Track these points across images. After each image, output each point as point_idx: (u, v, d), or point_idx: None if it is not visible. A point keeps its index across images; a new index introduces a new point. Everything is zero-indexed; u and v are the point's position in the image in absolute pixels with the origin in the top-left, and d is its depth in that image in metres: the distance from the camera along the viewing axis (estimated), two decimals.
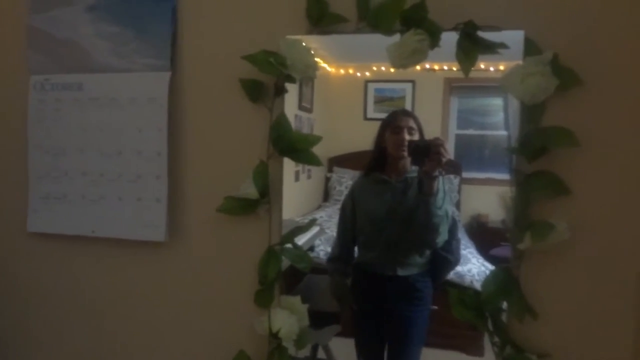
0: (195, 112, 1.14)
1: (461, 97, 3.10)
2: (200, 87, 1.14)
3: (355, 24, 1.04)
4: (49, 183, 1.19)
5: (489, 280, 1.02)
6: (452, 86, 3.08)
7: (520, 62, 0.95)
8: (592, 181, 0.96)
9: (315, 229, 3.00)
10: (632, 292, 0.97)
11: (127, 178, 1.14)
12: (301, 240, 2.76)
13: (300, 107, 4.00)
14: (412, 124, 1.54)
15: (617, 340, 0.98)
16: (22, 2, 1.22)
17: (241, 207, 1.08)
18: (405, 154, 1.53)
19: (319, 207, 4.43)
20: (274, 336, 1.07)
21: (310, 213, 4.01)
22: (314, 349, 2.25)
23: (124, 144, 1.14)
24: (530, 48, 0.96)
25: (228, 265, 1.15)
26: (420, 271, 1.57)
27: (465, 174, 3.07)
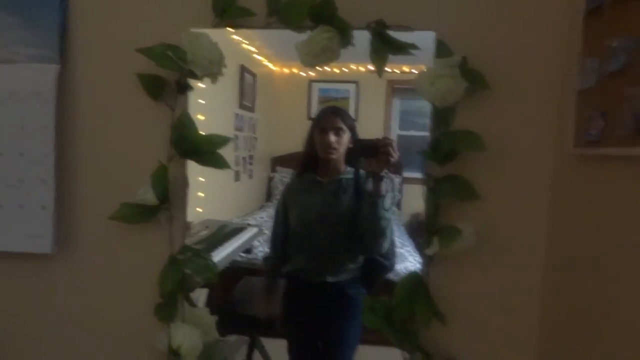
0: (88, 109, 1.05)
1: (403, 98, 3.14)
2: (94, 82, 1.04)
3: (265, 18, 0.99)
4: None
5: (400, 286, 1.01)
6: (395, 88, 3.12)
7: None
8: (499, 186, 0.97)
9: (253, 230, 2.92)
10: (536, 294, 0.98)
11: (8, 182, 1.02)
12: (238, 241, 2.67)
13: (241, 106, 3.88)
14: (339, 123, 1.46)
15: (522, 341, 0.99)
16: None
17: (138, 214, 1.00)
18: (333, 155, 1.47)
19: (261, 208, 4.34)
20: (175, 353, 0.99)
21: (252, 213, 3.91)
22: (250, 353, 2.18)
23: (4, 143, 1.02)
24: (442, 50, 0.95)
25: (126, 277, 1.06)
26: (351, 277, 1.53)
27: (406, 174, 3.12)
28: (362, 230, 1.40)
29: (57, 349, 1.10)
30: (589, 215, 0.82)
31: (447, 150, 0.94)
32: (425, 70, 0.94)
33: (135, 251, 1.05)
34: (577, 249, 0.86)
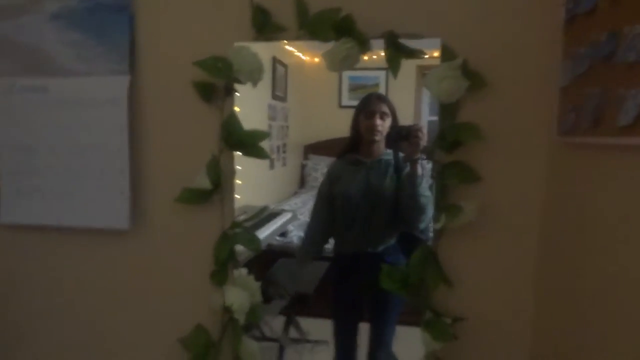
0: (153, 112, 1.32)
1: None
2: (157, 89, 1.31)
3: (295, 32, 1.21)
4: (20, 178, 1.36)
5: (414, 255, 1.22)
6: (424, 74, 3.27)
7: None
8: (498, 169, 1.17)
9: (288, 215, 3.19)
10: (531, 261, 1.18)
11: (92, 173, 1.31)
12: (274, 225, 2.94)
13: (274, 97, 4.14)
14: (384, 109, 1.68)
15: (519, 301, 1.20)
16: None
17: (196, 197, 1.26)
18: (377, 138, 1.68)
19: (295, 194, 4.61)
20: (228, 310, 1.26)
21: (286, 200, 4.19)
22: (286, 328, 2.46)
23: (89, 142, 1.31)
24: (446, 53, 1.15)
25: (186, 249, 1.33)
26: (388, 247, 1.73)
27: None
28: (404, 208, 1.60)
29: (131, 307, 1.40)
30: (572, 192, 1.01)
31: (451, 140, 1.15)
32: (432, 71, 1.15)
33: (194, 228, 1.32)
34: (565, 219, 1.05)
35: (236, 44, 1.22)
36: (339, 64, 1.18)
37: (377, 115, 1.66)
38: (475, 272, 1.21)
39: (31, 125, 1.34)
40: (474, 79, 1.12)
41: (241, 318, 1.25)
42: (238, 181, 1.35)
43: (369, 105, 1.69)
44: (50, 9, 1.31)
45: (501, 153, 1.16)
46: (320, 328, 2.22)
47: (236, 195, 1.33)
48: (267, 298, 1.42)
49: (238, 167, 1.32)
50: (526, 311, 1.19)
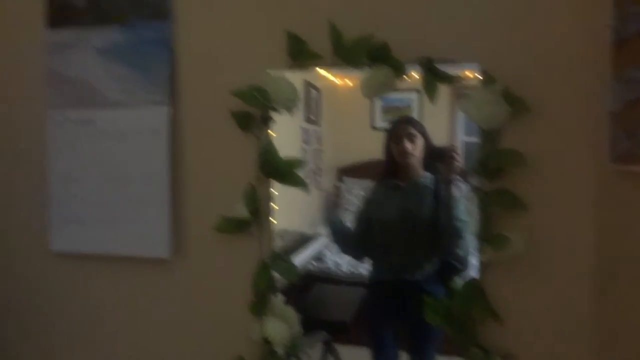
0: (193, 141, 1.35)
1: None
2: (196, 119, 1.34)
3: (330, 59, 1.21)
4: (68, 207, 1.41)
5: (460, 288, 1.18)
6: (459, 94, 3.24)
7: None
8: (544, 197, 1.12)
9: (324, 239, 3.15)
10: (586, 295, 1.12)
11: (135, 202, 1.35)
12: (309, 250, 2.92)
13: (307, 120, 4.17)
14: (411, 130, 1.67)
15: (574, 339, 1.13)
16: (40, 45, 1.44)
17: (235, 226, 1.27)
18: (411, 161, 1.66)
19: None
20: (267, 342, 1.24)
21: (321, 224, 4.14)
22: (324, 356, 2.39)
23: (131, 171, 1.35)
24: (486, 78, 1.12)
25: (226, 278, 1.34)
26: (427, 276, 1.67)
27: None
28: (441, 233, 1.56)
29: (172, 335, 1.41)
30: (630, 222, 0.95)
31: (494, 167, 1.11)
32: (470, 96, 1.12)
33: (232, 256, 1.32)
34: (624, 251, 0.98)
35: (272, 73, 1.24)
36: (375, 91, 1.18)
37: (405, 139, 1.65)
38: (525, 307, 1.15)
39: (78, 156, 1.40)
40: (516, 104, 1.09)
41: (280, 350, 1.24)
42: (274, 206, 1.35)
43: (396, 130, 1.69)
44: (96, 44, 1.38)
45: (548, 180, 1.12)
46: (360, 357, 2.16)
47: (272, 220, 1.32)
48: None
49: (274, 192, 1.33)
50: (583, 350, 1.12)
